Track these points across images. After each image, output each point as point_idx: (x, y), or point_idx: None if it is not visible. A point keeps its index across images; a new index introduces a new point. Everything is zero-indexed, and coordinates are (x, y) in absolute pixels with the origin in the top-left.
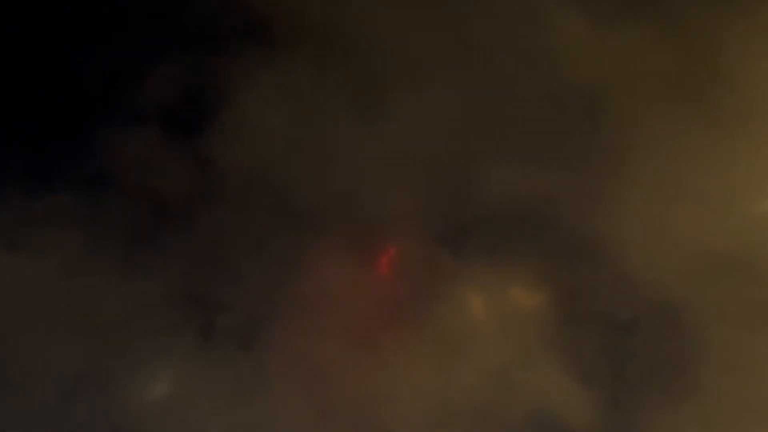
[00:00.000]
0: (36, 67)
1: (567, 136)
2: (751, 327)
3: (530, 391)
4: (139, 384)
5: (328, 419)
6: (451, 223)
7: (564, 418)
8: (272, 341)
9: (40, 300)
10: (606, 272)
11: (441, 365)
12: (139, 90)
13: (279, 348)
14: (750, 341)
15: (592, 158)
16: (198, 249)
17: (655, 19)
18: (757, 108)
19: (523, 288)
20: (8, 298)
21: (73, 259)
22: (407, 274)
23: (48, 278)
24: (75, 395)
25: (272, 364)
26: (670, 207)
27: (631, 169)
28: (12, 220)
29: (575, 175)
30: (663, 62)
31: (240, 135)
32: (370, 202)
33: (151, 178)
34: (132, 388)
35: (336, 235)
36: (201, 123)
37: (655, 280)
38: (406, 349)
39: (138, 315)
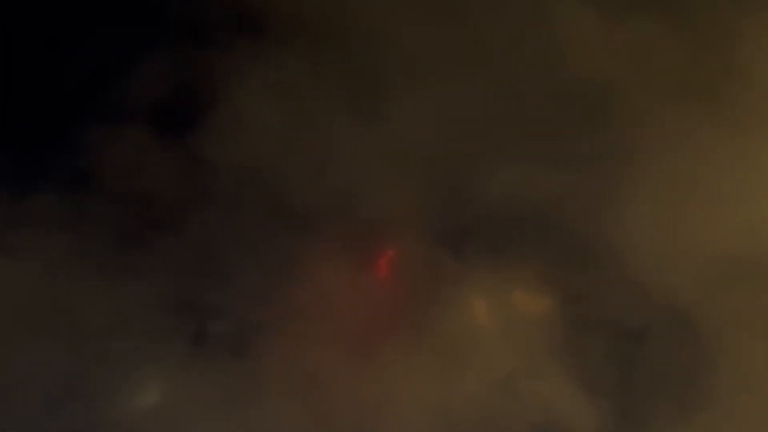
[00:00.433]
0: (18, 63)
1: (574, 135)
2: (767, 334)
3: (535, 400)
4: (127, 392)
5: (324, 430)
6: (453, 224)
7: (571, 430)
8: (266, 348)
9: (25, 305)
10: (615, 277)
11: (442, 373)
12: (126, 86)
13: (273, 355)
14: (765, 349)
15: (600, 158)
16: (189, 252)
17: (667, 12)
18: None
19: (528, 293)
20: None
21: (58, 262)
22: (406, 278)
23: (33, 282)
24: (61, 404)
25: (266, 372)
26: (682, 209)
27: (641, 169)
28: None
29: (583, 175)
30: (675, 57)
31: (232, 133)
32: (367, 203)
33: (140, 178)
34: (120, 397)
35: (333, 237)
36: (192, 121)
37: (667, 285)
38: (406, 356)
39: (126, 320)
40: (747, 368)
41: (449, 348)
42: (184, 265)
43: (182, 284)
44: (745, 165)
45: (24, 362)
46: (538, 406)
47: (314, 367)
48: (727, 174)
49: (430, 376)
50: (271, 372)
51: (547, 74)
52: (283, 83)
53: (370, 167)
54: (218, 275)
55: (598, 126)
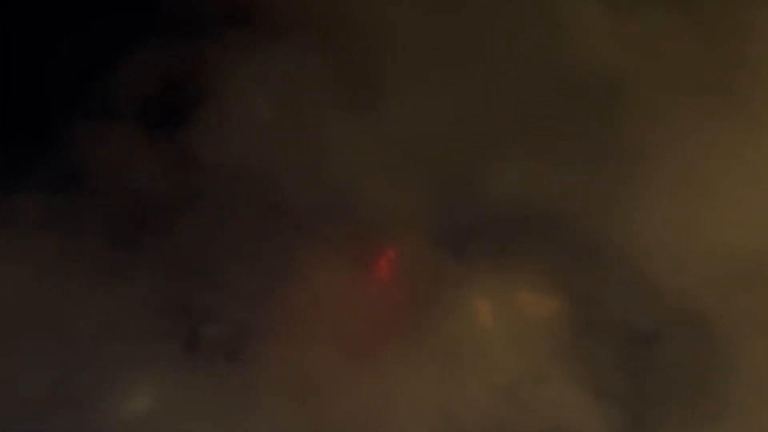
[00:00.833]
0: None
1: (581, 131)
2: None
3: (542, 407)
4: (118, 399)
5: None
6: (455, 223)
7: None
8: (261, 352)
9: (11, 308)
10: (625, 278)
11: (444, 379)
12: (114, 81)
13: (269, 359)
14: None
15: (608, 154)
16: (182, 252)
17: (678, 3)
18: None
19: (534, 295)
20: None
21: (45, 264)
22: (407, 279)
23: (19, 285)
24: (49, 410)
25: (262, 378)
26: (694, 207)
27: (651, 166)
28: None
29: (591, 172)
30: (687, 50)
31: (225, 129)
32: (366, 201)
33: (128, 176)
34: (110, 403)
35: (330, 236)
36: (182, 117)
37: (679, 286)
38: (406, 360)
39: (116, 324)
40: (763, 373)
41: (452, 352)
42: (176, 267)
43: (174, 286)
44: (762, 161)
45: (11, 367)
46: (544, 413)
47: (312, 372)
48: (742, 171)
49: (431, 381)
50: (267, 377)
51: (552, 67)
52: (278, 77)
53: (368, 164)
54: (212, 277)
55: (606, 121)
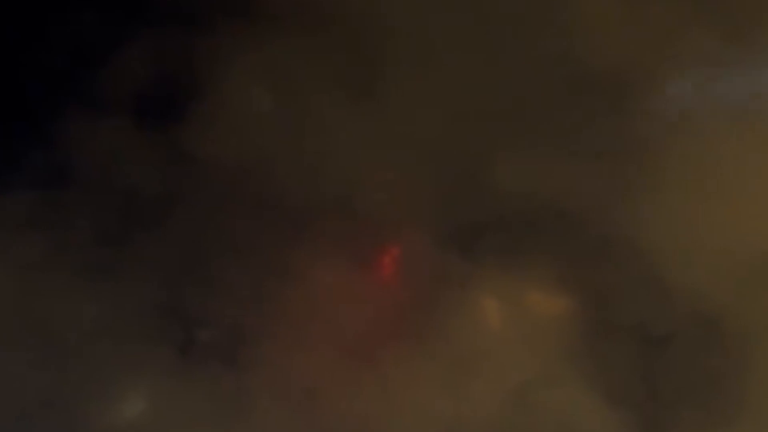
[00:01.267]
0: None
1: (592, 124)
2: None
3: (552, 411)
4: (108, 404)
5: None
6: (462, 220)
7: None
8: (258, 355)
9: None
10: (638, 278)
11: (450, 383)
12: (105, 74)
13: (266, 363)
14: None
15: (621, 148)
16: (175, 253)
17: None
18: None
19: (543, 294)
20: None
21: (32, 263)
22: (411, 279)
23: (5, 286)
24: (37, 417)
25: (258, 381)
26: (710, 204)
27: (666, 161)
28: None
29: (602, 166)
30: (702, 42)
31: (220, 123)
32: (368, 197)
33: (121, 174)
34: (101, 409)
35: (330, 234)
36: (176, 110)
37: (694, 286)
38: (410, 364)
39: (108, 327)
40: None
41: (457, 354)
42: (169, 267)
43: (168, 288)
44: None
45: None
46: (554, 418)
47: (311, 376)
48: (760, 166)
49: (436, 385)
50: (264, 381)
51: (562, 58)
52: (276, 69)
53: (370, 158)
54: (207, 278)
55: (618, 114)
